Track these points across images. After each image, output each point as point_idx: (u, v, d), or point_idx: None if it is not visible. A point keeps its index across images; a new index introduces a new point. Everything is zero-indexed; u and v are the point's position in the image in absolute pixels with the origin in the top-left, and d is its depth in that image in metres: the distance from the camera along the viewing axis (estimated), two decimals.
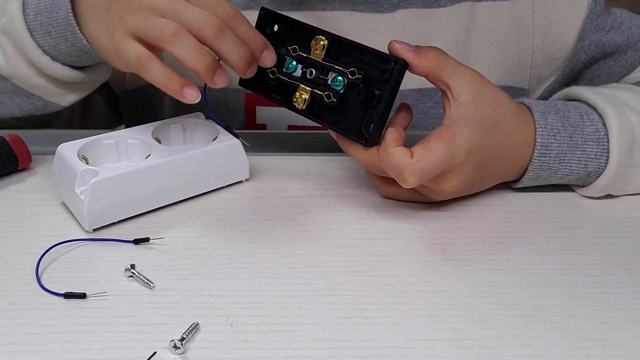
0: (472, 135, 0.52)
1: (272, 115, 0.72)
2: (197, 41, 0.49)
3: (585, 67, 0.70)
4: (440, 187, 0.53)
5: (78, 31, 0.57)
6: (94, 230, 0.53)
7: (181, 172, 0.55)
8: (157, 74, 0.50)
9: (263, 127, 0.74)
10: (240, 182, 0.60)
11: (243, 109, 0.73)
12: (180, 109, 0.67)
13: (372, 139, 0.52)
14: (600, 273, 0.49)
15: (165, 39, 0.49)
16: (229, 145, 0.57)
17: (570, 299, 0.47)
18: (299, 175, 0.62)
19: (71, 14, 0.56)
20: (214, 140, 0.58)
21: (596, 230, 0.55)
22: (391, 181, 0.56)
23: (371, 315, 0.45)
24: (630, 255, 0.52)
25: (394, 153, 0.50)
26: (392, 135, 0.51)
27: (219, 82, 0.50)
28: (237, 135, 0.58)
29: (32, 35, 0.59)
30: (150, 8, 0.50)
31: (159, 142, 0.58)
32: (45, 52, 0.60)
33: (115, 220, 0.54)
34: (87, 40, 0.57)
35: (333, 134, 0.55)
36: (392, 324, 0.44)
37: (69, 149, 0.56)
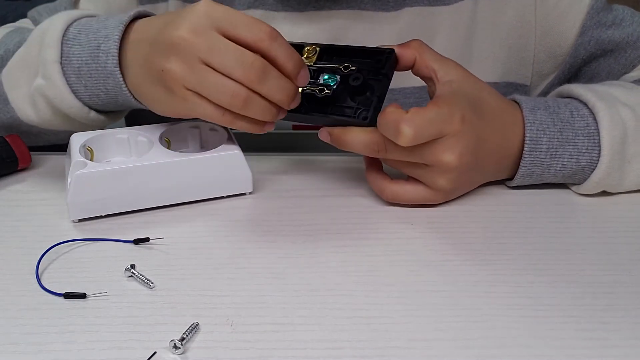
0: (463, 105, 0.53)
1: None
2: (263, 101, 0.50)
3: (585, 64, 0.71)
4: (442, 158, 0.53)
5: (132, 98, 0.56)
6: (83, 222, 0.53)
7: (170, 176, 0.55)
8: (243, 127, 0.52)
9: None
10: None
11: None
12: None
13: (372, 117, 0.53)
14: (600, 273, 0.49)
15: (239, 108, 0.50)
16: (227, 155, 0.56)
17: (570, 299, 0.47)
18: (299, 175, 0.62)
19: (123, 85, 0.55)
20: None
21: (596, 230, 0.55)
22: (395, 182, 0.56)
23: (371, 315, 0.45)
24: (630, 255, 0.52)
25: (390, 112, 0.51)
26: (391, 105, 0.52)
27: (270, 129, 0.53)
28: None
29: (76, 97, 0.57)
30: (189, 53, 0.49)
31: (169, 142, 0.58)
32: (90, 108, 0.59)
33: (102, 214, 0.54)
34: (136, 98, 0.57)
35: (324, 136, 0.56)
36: (392, 324, 0.44)
37: (77, 139, 0.56)
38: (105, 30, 0.56)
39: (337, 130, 0.55)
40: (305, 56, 0.55)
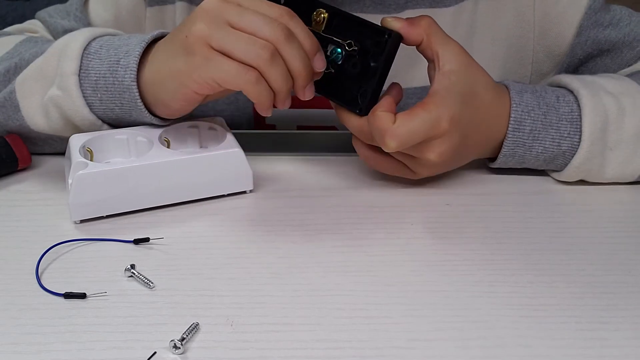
0: (454, 105, 0.54)
1: (282, 115, 0.72)
2: (285, 65, 0.51)
3: (582, 64, 0.71)
4: (425, 156, 0.55)
5: (147, 113, 0.57)
6: (83, 223, 0.53)
7: (172, 175, 0.55)
8: (262, 93, 0.52)
9: (272, 127, 0.74)
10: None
11: (252, 109, 0.73)
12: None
13: (365, 109, 0.54)
14: (600, 273, 0.49)
15: (265, 60, 0.50)
16: (227, 153, 0.56)
17: (570, 299, 0.47)
18: (299, 175, 0.62)
19: (139, 100, 0.56)
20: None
21: (596, 230, 0.55)
22: (379, 153, 0.57)
23: (371, 315, 0.45)
24: (630, 255, 0.52)
25: (378, 117, 0.53)
26: (384, 101, 0.54)
27: (287, 105, 0.54)
28: None
29: (91, 110, 0.57)
30: (216, 16, 0.51)
31: (168, 142, 0.58)
32: (103, 122, 0.59)
33: (104, 215, 0.54)
34: (148, 104, 0.57)
35: (332, 103, 0.57)
36: (392, 324, 0.44)
37: (76, 140, 0.56)
38: (127, 47, 0.56)
39: (338, 110, 0.57)
40: (314, 22, 0.56)
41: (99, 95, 0.57)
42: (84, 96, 0.57)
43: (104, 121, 0.59)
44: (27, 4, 0.95)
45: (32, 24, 0.72)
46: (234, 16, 0.50)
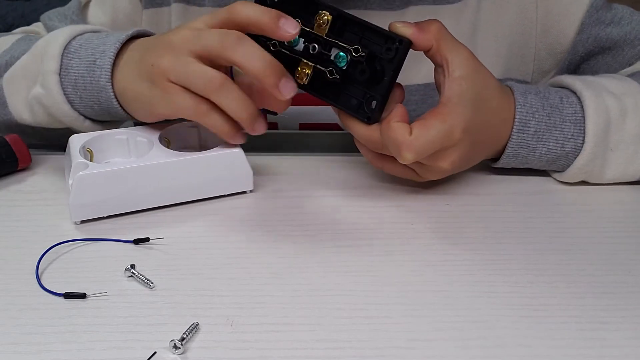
0: (466, 113, 0.54)
1: (283, 113, 0.72)
2: (241, 91, 0.52)
3: (583, 61, 0.71)
4: (438, 164, 0.55)
5: (122, 111, 0.58)
6: (84, 223, 0.53)
7: (172, 176, 0.55)
8: (216, 123, 0.53)
9: (274, 126, 0.74)
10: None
11: None
12: None
13: (373, 117, 0.53)
14: (600, 273, 0.49)
15: (213, 90, 0.51)
16: (228, 153, 0.56)
17: (570, 299, 0.47)
18: (299, 175, 0.62)
19: (114, 100, 0.57)
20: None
21: (596, 230, 0.55)
22: (385, 157, 0.57)
23: (371, 315, 0.45)
24: (630, 255, 0.52)
25: (394, 128, 0.52)
26: (397, 110, 0.53)
27: (259, 130, 0.54)
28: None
29: (72, 107, 0.59)
30: (181, 47, 0.52)
31: (168, 142, 0.58)
32: (86, 118, 0.61)
33: (104, 215, 0.54)
34: (122, 105, 0.58)
35: (334, 109, 0.56)
36: (392, 324, 0.44)
37: (76, 141, 0.57)
38: (104, 46, 0.58)
39: (343, 116, 0.56)
40: (317, 24, 0.53)
41: (78, 93, 0.58)
42: (65, 94, 0.58)
43: (86, 117, 0.60)
44: (27, 4, 0.95)
45: (37, 27, 0.74)
46: (193, 44, 0.51)
